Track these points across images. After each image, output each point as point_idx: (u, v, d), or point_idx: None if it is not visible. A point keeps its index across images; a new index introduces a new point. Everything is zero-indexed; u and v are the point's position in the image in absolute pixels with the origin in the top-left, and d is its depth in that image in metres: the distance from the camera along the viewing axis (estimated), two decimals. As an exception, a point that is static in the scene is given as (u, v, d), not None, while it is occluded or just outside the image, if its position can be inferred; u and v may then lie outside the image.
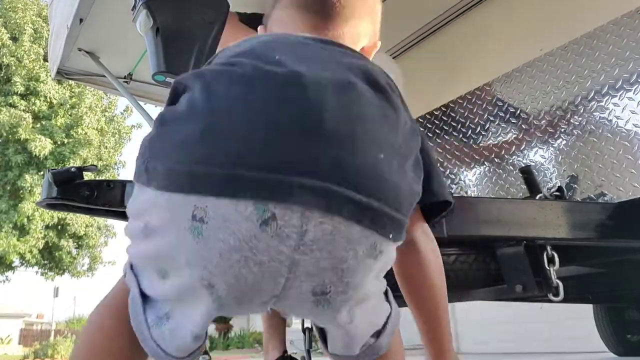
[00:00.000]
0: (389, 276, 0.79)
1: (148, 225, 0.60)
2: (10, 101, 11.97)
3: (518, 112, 2.12)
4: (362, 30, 0.88)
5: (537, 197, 1.70)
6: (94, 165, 1.83)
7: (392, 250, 0.64)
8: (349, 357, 0.70)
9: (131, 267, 0.65)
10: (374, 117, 0.62)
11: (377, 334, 0.71)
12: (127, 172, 14.83)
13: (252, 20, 2.32)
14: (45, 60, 11.75)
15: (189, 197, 0.55)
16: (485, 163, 2.21)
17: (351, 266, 0.58)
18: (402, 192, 0.62)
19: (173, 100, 0.65)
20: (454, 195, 1.39)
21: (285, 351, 2.24)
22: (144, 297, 0.62)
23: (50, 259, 12.90)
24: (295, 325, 2.16)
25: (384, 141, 0.62)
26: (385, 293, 0.74)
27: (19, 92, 12.09)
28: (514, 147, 2.10)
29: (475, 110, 2.30)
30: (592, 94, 1.84)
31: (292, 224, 0.54)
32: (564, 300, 1.41)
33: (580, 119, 1.86)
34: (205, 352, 2.16)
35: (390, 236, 0.60)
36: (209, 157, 0.56)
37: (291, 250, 0.55)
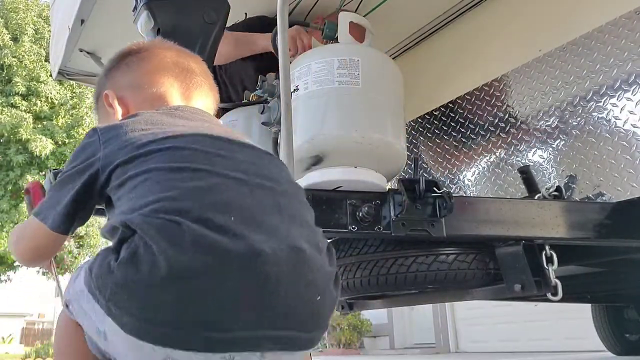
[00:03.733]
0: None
1: (107, 338, 0.70)
2: (12, 101, 11.98)
3: (517, 112, 2.13)
4: None
5: (536, 197, 1.71)
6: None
7: None
8: None
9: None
10: (317, 272, 0.77)
11: None
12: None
13: (252, 25, 2.33)
14: (47, 60, 11.77)
15: (162, 349, 0.65)
16: (485, 163, 2.22)
17: None
18: (332, 308, 0.81)
19: (120, 242, 0.71)
20: (454, 195, 1.40)
21: None
22: None
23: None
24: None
25: (320, 284, 0.77)
26: None
27: (20, 92, 12.10)
28: (512, 147, 2.11)
29: (474, 110, 2.31)
30: (590, 95, 1.85)
31: None
32: (563, 300, 1.42)
33: (578, 119, 1.87)
34: None
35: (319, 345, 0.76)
36: (181, 322, 0.65)
37: None
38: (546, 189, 1.75)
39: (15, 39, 12.55)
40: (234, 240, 0.68)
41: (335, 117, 1.50)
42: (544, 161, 1.96)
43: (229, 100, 2.23)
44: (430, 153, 2.52)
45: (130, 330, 0.66)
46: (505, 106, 2.18)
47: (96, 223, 13.07)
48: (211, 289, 0.66)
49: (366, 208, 1.37)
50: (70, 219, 0.84)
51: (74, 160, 0.85)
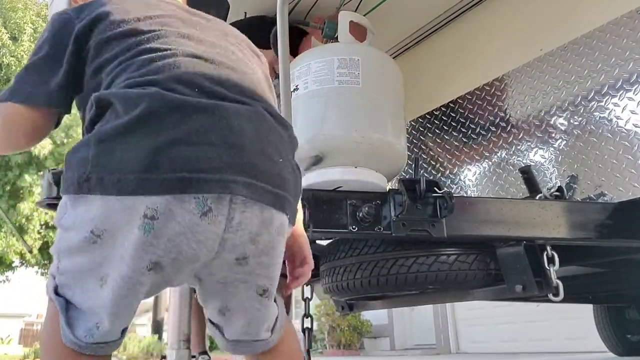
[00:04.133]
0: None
1: (95, 232, 0.73)
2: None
3: (518, 112, 2.12)
4: None
5: (537, 197, 1.70)
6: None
7: (288, 232, 0.86)
8: (248, 344, 0.88)
9: (55, 290, 0.77)
10: (275, 135, 0.85)
11: (271, 330, 0.88)
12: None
13: (252, 25, 2.33)
14: (46, 60, 11.72)
15: (141, 198, 0.70)
16: (485, 163, 2.21)
17: (265, 240, 0.79)
18: (295, 187, 0.86)
19: (98, 114, 0.78)
20: (454, 195, 1.39)
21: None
22: (70, 311, 0.76)
23: (50, 259, 12.89)
24: (295, 324, 2.16)
25: (282, 151, 0.84)
26: (275, 300, 0.89)
27: (19, 92, 12.07)
28: (513, 147, 2.10)
29: (475, 110, 2.30)
30: (592, 94, 1.84)
31: (222, 213, 0.73)
32: (564, 300, 1.41)
33: (580, 119, 1.86)
34: (205, 352, 2.16)
35: (289, 217, 0.82)
36: (158, 167, 0.71)
37: (222, 232, 0.74)
38: (547, 189, 1.74)
39: (14, 38, 12.54)
40: (199, 99, 0.77)
41: (335, 117, 1.49)
42: (545, 161, 1.96)
43: None
44: (431, 153, 2.51)
45: (110, 189, 0.70)
46: (506, 106, 2.17)
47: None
48: (180, 137, 0.73)
49: (366, 208, 1.36)
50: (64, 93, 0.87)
51: (51, 39, 0.87)
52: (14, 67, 12.20)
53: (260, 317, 0.86)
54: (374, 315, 8.84)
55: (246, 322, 0.86)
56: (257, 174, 0.76)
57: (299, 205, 0.93)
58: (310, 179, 1.49)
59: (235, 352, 0.89)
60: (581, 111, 1.87)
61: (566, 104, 1.93)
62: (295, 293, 2.32)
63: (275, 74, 1.75)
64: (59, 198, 1.31)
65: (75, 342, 0.74)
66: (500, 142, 2.16)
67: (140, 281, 0.74)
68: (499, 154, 2.16)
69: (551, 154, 1.94)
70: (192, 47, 0.85)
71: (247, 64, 0.93)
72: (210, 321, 0.90)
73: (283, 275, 0.89)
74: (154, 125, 0.73)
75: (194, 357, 1.39)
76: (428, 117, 2.55)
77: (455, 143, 2.38)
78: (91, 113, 0.78)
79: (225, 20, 1.54)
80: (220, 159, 0.73)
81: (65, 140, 12.16)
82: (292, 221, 0.86)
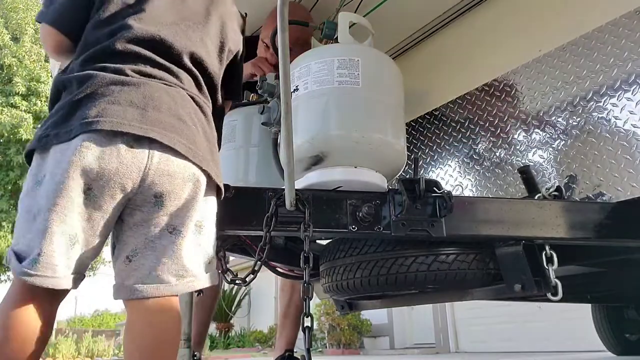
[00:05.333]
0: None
1: (42, 173, 0.92)
2: (12, 102, 11.97)
3: (517, 112, 2.13)
4: None
5: (536, 197, 1.71)
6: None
7: (207, 189, 1.00)
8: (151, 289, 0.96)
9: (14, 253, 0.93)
10: (189, 106, 1.03)
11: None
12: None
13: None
14: (47, 60, 11.76)
15: (81, 136, 0.89)
16: (485, 163, 2.22)
17: (177, 185, 0.94)
18: (209, 150, 1.03)
19: (57, 97, 1.01)
20: (454, 195, 1.40)
21: (287, 350, 2.26)
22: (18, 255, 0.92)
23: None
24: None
25: (195, 119, 1.02)
26: (210, 261, 1.03)
27: (20, 92, 12.09)
28: (512, 147, 2.11)
29: (475, 110, 2.31)
30: (590, 94, 1.85)
31: (144, 152, 0.91)
32: (563, 300, 1.42)
33: (578, 119, 1.87)
34: (194, 355, 2.14)
35: (205, 173, 0.98)
36: (95, 116, 0.90)
37: (143, 167, 0.90)
38: (546, 189, 1.74)
39: (15, 39, 12.54)
40: (132, 77, 0.97)
41: (335, 117, 1.49)
42: (544, 161, 1.96)
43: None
44: (431, 153, 2.52)
45: (61, 137, 0.91)
46: (505, 106, 2.18)
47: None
48: (113, 101, 0.93)
49: (366, 208, 1.37)
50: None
51: None
52: (15, 68, 12.21)
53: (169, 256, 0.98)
54: (374, 315, 8.84)
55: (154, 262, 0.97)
56: (172, 130, 0.94)
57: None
58: (310, 179, 1.50)
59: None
60: (580, 111, 1.88)
61: (565, 104, 1.93)
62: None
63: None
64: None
65: (24, 271, 0.89)
66: (500, 142, 2.17)
67: (73, 201, 0.89)
68: (498, 154, 2.17)
69: (550, 154, 1.95)
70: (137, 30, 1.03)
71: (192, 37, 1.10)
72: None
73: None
74: (97, 96, 0.93)
75: (195, 356, 1.39)
76: (428, 117, 2.56)
77: (455, 143, 2.39)
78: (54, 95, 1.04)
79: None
80: (142, 116, 0.92)
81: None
82: (211, 180, 1.00)
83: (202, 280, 1.00)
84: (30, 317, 0.89)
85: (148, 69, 0.98)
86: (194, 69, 1.07)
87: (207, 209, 1.01)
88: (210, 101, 1.12)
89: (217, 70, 1.15)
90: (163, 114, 0.95)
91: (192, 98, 1.03)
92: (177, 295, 0.97)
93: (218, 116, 1.16)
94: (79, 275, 0.95)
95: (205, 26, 1.14)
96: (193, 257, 0.98)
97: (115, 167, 0.89)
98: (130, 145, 0.90)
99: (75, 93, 0.94)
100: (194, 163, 0.96)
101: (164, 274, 0.94)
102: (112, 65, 0.96)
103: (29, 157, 0.98)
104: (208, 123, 1.07)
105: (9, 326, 0.88)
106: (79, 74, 0.96)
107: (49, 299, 0.92)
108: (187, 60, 1.06)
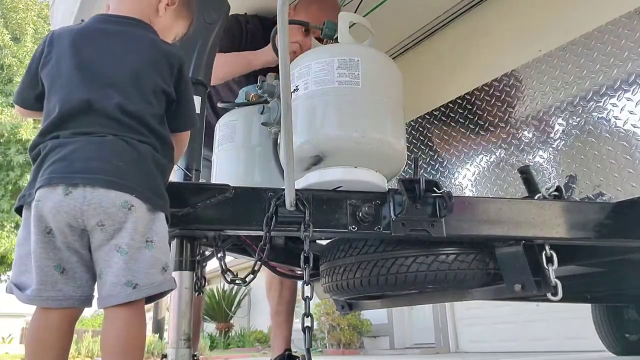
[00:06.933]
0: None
1: (27, 222, 1.16)
2: (12, 102, 11.98)
3: (517, 112, 2.13)
4: None
5: (536, 197, 1.71)
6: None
7: (147, 209, 1.17)
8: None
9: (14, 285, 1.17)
10: (107, 149, 1.21)
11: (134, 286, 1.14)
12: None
13: (256, 25, 2.34)
14: (46, 60, 11.72)
15: (36, 196, 1.13)
16: (484, 163, 2.22)
17: (113, 212, 1.13)
18: (137, 179, 1.19)
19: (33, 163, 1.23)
20: (454, 195, 1.40)
21: (287, 349, 2.25)
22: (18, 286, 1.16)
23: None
24: (295, 324, 2.18)
25: (111, 157, 1.20)
26: (165, 268, 1.18)
27: (20, 92, 12.08)
28: (512, 147, 2.11)
29: (474, 110, 2.31)
30: (590, 94, 1.85)
31: (78, 194, 1.12)
32: (563, 300, 1.42)
33: (578, 119, 1.87)
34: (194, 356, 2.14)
35: (135, 195, 1.15)
36: (44, 175, 1.14)
37: (80, 205, 1.11)
38: (546, 189, 1.74)
39: (15, 39, 12.55)
40: (65, 139, 1.19)
41: (335, 117, 1.50)
42: (544, 161, 1.97)
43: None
44: (431, 153, 2.52)
45: (31, 196, 1.15)
46: (505, 106, 2.18)
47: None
48: (55, 160, 1.16)
49: (366, 208, 1.37)
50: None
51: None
52: (15, 68, 12.21)
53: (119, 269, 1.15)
54: (374, 315, 8.85)
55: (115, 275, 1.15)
56: (100, 171, 1.15)
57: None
58: (310, 179, 1.50)
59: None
60: (580, 111, 1.88)
61: (565, 104, 1.94)
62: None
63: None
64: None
65: (30, 298, 1.13)
66: (499, 142, 2.17)
67: (44, 240, 1.12)
68: (498, 154, 2.17)
69: (550, 154, 1.95)
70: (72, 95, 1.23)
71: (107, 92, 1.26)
72: None
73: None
74: (45, 161, 1.17)
75: (194, 356, 1.40)
76: (428, 117, 2.56)
77: (455, 143, 2.39)
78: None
79: (225, 22, 1.55)
80: (70, 167, 1.15)
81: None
82: (146, 200, 1.17)
83: (159, 287, 1.17)
84: (47, 331, 1.15)
85: (80, 129, 1.20)
86: (121, 116, 1.24)
87: (153, 225, 1.19)
88: (147, 137, 1.26)
89: (143, 110, 1.31)
90: (91, 161, 1.18)
91: (124, 140, 1.21)
92: (142, 302, 1.16)
93: (167, 145, 1.31)
94: (85, 297, 1.17)
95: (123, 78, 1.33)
96: (145, 268, 1.16)
97: (57, 210, 1.12)
98: (67, 191, 1.13)
99: (37, 162, 1.21)
100: (125, 192, 1.15)
101: (122, 286, 1.13)
102: (55, 133, 1.20)
103: (18, 211, 1.21)
104: (141, 156, 1.24)
105: (31, 341, 1.15)
106: (36, 149, 1.22)
107: (63, 315, 1.16)
108: (114, 111, 1.25)
